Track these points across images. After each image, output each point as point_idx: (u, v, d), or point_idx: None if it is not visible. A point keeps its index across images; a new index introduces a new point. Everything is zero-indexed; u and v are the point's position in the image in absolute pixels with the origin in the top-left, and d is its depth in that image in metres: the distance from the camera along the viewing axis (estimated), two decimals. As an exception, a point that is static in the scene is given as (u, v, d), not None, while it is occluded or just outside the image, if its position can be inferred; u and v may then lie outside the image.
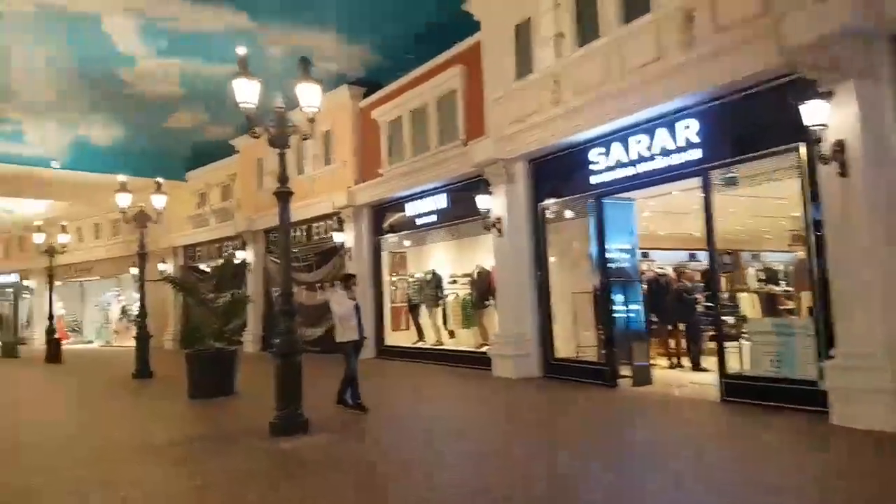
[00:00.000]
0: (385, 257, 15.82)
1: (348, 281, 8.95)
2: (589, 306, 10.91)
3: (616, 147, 9.73)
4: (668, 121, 8.95)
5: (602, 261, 10.15)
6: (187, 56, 15.45)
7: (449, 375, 12.14)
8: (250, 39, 14.75)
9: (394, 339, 15.65)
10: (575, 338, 11.04)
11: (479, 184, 11.69)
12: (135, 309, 22.08)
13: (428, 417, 8.24)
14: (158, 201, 14.23)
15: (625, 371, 9.97)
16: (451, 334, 14.63)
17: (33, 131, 18.92)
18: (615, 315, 10.10)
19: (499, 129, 11.22)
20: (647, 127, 9.27)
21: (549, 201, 11.06)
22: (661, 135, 9.10)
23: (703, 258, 17.94)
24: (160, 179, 14.40)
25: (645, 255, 12.71)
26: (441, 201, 13.60)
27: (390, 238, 15.56)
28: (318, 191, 17.10)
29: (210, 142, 20.93)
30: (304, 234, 18.19)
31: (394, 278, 15.90)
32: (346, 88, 15.73)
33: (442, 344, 14.58)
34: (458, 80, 12.76)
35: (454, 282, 14.69)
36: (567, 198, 10.75)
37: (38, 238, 19.89)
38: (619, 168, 9.72)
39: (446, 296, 14.58)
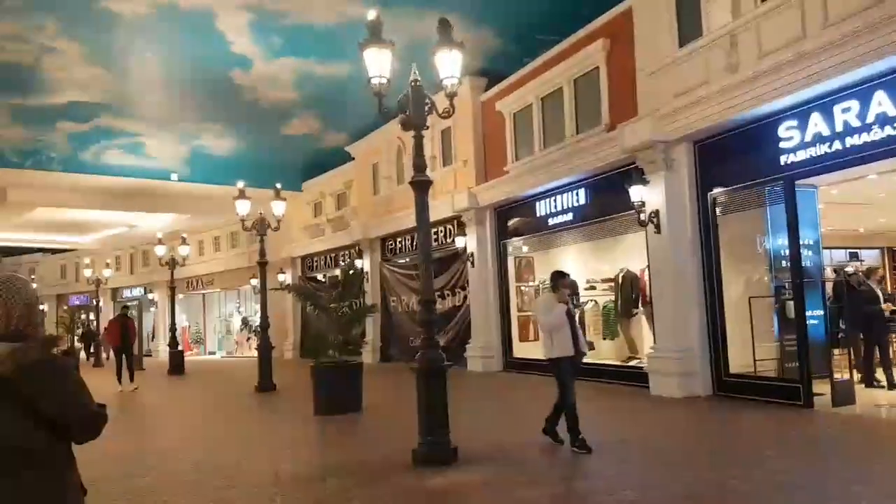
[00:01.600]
0: (510, 262, 14.49)
1: (557, 281, 6.85)
2: (768, 313, 9.15)
3: (815, 118, 7.89)
4: (894, 80, 7.08)
5: (795, 258, 8.30)
6: (300, 55, 14.95)
7: (594, 392, 10.55)
8: (363, 31, 14.12)
9: (521, 350, 14.26)
10: (750, 350, 9.21)
11: (629, 174, 10.12)
12: (256, 319, 22.13)
13: (597, 441, 6.78)
14: (278, 207, 13.70)
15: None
16: (590, 346, 13.02)
17: (152, 143, 19.19)
18: (808, 322, 8.32)
19: (655, 107, 9.61)
20: (860, 91, 7.41)
21: (720, 189, 9.31)
22: (881, 99, 7.23)
23: (868, 257, 15.65)
24: (279, 185, 13.89)
25: (854, 256, 10.71)
26: (579, 197, 12.10)
27: (516, 242, 14.22)
28: (437, 193, 16.03)
29: (325, 150, 20.57)
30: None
31: (524, 287, 14.53)
32: (466, 80, 14.54)
33: (578, 357, 13.01)
34: (601, 56, 11.22)
35: (592, 288, 13.12)
36: (744, 184, 8.95)
37: (160, 250, 20.20)
38: (820, 143, 7.86)
39: (584, 303, 13.03)
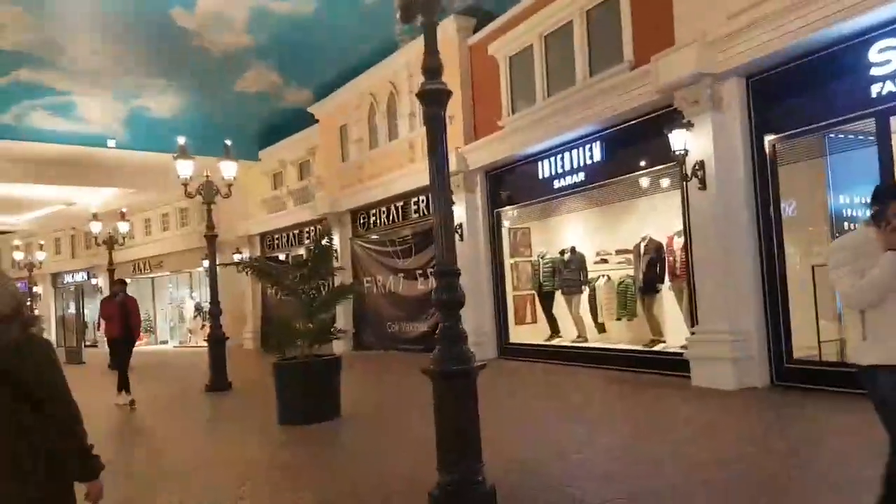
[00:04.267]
0: (505, 234, 12.56)
1: (888, 204, 2.91)
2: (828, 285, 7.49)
3: (927, 31, 6.14)
4: None
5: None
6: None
7: (616, 385, 8.80)
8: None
9: (519, 334, 12.42)
10: (814, 331, 7.53)
11: (666, 118, 8.26)
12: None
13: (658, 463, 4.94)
14: (228, 169, 11.49)
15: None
16: (602, 328, 11.26)
17: (84, 102, 16.53)
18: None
19: (702, 31, 7.73)
20: None
21: (783, 134, 7.53)
22: None
23: None
24: (228, 142, 11.64)
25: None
26: (593, 153, 10.21)
27: (513, 210, 12.29)
28: (417, 157, 14.02)
29: (285, 110, 18.20)
30: (399, 211, 15.18)
31: (517, 260, 12.64)
32: (451, 21, 12.45)
33: (586, 340, 11.25)
34: (625, -23, 9.29)
35: (604, 261, 11.30)
36: (817, 125, 7.17)
37: (95, 227, 17.62)
38: (934, 65, 6.11)
39: (594, 279, 11.22)
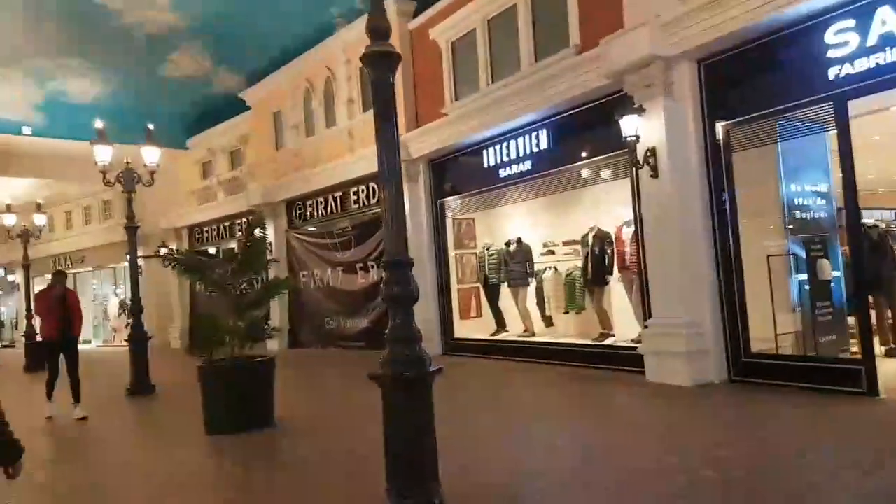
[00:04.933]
0: (449, 225, 12.10)
1: None
2: (788, 274, 7.42)
3: (882, 15, 5.99)
4: None
5: (851, 202, 6.45)
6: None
7: (568, 382, 8.50)
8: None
9: (464, 329, 12.00)
10: (770, 323, 7.40)
11: (616, 104, 7.96)
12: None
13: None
14: (150, 154, 10.57)
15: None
16: (549, 322, 10.97)
17: (-4, 86, 15.16)
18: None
19: (654, 13, 7.43)
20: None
21: (735, 120, 7.34)
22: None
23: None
24: (150, 126, 10.71)
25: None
26: (539, 140, 9.85)
27: (457, 200, 11.84)
28: (357, 145, 13.39)
29: (215, 96, 17.16)
30: (338, 202, 14.50)
31: (462, 252, 12.20)
32: (391, 3, 11.83)
33: (533, 335, 10.94)
34: (572, -43, 8.94)
35: (550, 252, 11.01)
36: (769, 109, 6.99)
37: (9, 220, 16.24)
38: (889, 48, 5.97)
39: (541, 271, 10.90)
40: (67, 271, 26.37)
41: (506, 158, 10.46)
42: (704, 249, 7.52)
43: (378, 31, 3.66)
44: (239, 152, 18.30)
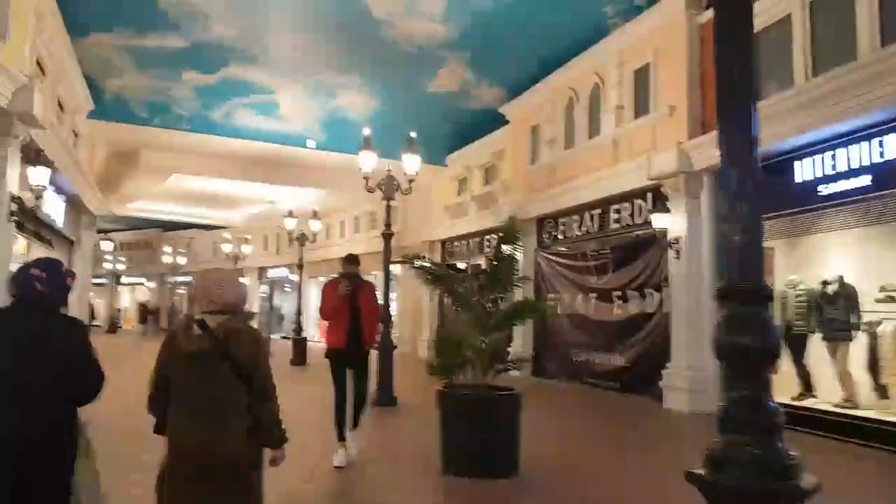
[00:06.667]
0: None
1: None
2: None
3: None
4: None
5: None
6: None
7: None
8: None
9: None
10: None
11: None
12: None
13: None
14: (410, 164, 10.31)
15: None
16: (883, 392, 8.19)
17: (286, 102, 16.62)
18: None
19: None
20: None
21: None
22: None
23: None
24: (413, 134, 10.46)
25: None
26: (883, 148, 7.38)
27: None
28: (624, 155, 11.88)
29: (474, 111, 16.94)
30: (595, 220, 13.07)
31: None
32: (680, -4, 10.23)
33: (857, 407, 8.23)
34: None
35: (891, 299, 8.25)
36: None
37: (290, 223, 17.85)
38: None
39: (875, 323, 8.23)
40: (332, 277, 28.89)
41: (829, 171, 8.11)
42: None
43: None
44: (493, 168, 17.90)
